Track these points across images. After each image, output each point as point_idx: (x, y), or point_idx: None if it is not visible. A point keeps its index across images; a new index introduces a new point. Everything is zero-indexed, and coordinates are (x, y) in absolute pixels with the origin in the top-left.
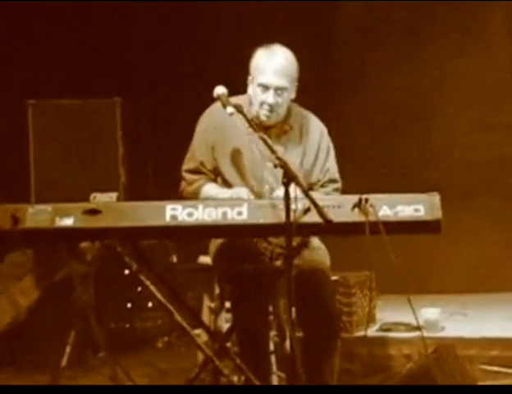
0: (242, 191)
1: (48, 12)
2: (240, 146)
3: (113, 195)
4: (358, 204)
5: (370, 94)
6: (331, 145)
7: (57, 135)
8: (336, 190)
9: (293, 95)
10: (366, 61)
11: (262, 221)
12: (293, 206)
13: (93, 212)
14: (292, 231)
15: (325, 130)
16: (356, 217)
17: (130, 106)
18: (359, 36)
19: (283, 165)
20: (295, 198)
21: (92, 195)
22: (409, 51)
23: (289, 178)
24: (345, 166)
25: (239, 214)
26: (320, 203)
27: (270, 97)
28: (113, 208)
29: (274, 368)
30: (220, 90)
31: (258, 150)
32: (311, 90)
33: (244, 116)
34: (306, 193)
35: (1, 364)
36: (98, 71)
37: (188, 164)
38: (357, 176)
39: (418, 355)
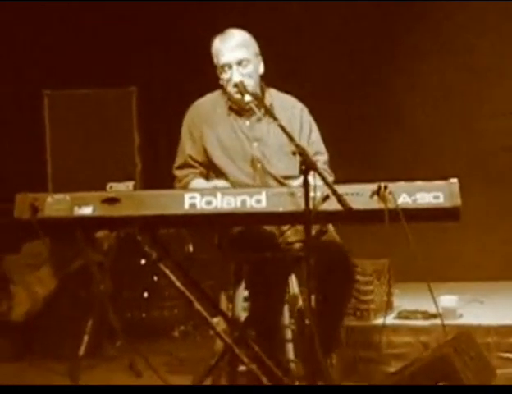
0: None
1: (64, 2)
2: (226, 132)
3: (130, 184)
4: (378, 192)
5: (386, 81)
6: (313, 122)
7: (72, 125)
8: (325, 162)
9: (261, 69)
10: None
11: (281, 209)
12: (312, 194)
13: (112, 200)
14: (311, 218)
15: (305, 108)
16: (375, 204)
17: (146, 95)
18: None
19: (301, 152)
20: (314, 185)
21: (108, 185)
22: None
23: (307, 166)
24: (363, 154)
25: (258, 202)
26: (339, 190)
27: (235, 73)
28: (132, 197)
29: (292, 355)
30: (237, 78)
31: (242, 133)
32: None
33: (261, 102)
34: (325, 180)
35: (19, 354)
36: (113, 61)
37: (177, 161)
38: (375, 163)
39: (435, 342)
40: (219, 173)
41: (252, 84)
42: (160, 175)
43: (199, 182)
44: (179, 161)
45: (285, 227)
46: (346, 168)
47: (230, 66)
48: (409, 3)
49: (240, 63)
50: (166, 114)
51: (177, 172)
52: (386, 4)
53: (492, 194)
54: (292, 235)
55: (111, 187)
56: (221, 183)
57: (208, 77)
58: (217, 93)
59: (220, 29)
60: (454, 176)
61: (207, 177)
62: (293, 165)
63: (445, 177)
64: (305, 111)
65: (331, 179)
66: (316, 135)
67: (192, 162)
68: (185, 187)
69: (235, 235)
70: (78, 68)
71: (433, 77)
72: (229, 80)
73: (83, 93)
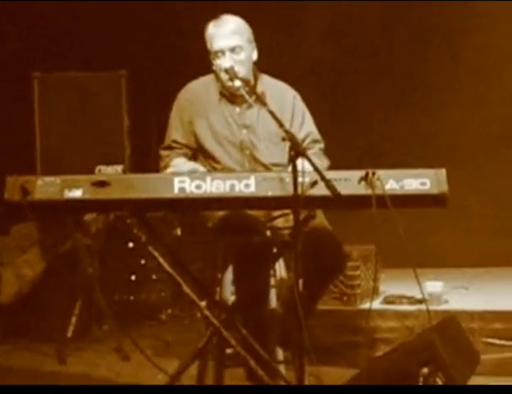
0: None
1: None
2: (216, 118)
3: (118, 168)
4: (365, 178)
5: (377, 70)
6: (306, 109)
7: (62, 108)
8: (321, 149)
9: (254, 56)
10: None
11: (270, 193)
12: (300, 179)
13: (102, 184)
14: (300, 203)
15: (298, 95)
16: (363, 190)
17: (136, 78)
18: None
19: (291, 138)
20: (303, 171)
21: (97, 168)
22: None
23: (296, 151)
24: (352, 141)
25: (246, 187)
26: (327, 176)
27: (226, 59)
28: (122, 180)
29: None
30: (228, 64)
31: (232, 120)
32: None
33: (251, 88)
34: (314, 166)
35: (7, 336)
36: (103, 44)
37: (164, 142)
38: (363, 151)
39: (421, 327)
40: (209, 158)
41: (244, 71)
42: (149, 159)
43: (178, 161)
44: (165, 142)
45: (275, 214)
46: (336, 155)
47: (223, 53)
48: None
49: (232, 50)
50: (156, 98)
51: (162, 152)
52: None
53: (478, 181)
54: (282, 221)
55: (99, 170)
56: (197, 166)
57: (198, 60)
58: (209, 77)
59: (213, 11)
60: (440, 165)
61: (191, 158)
62: (280, 153)
63: (431, 166)
64: (297, 98)
65: (326, 165)
66: (310, 123)
67: (175, 145)
68: (166, 166)
69: (221, 219)
70: (68, 51)
71: (421, 66)
72: (221, 67)
73: (73, 76)
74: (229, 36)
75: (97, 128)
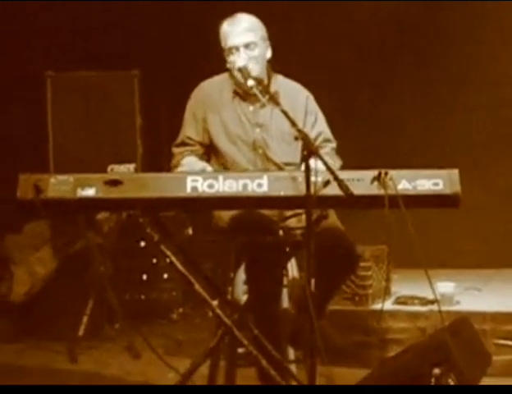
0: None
1: None
2: (230, 116)
3: (131, 167)
4: (378, 178)
5: (390, 70)
6: (319, 110)
7: (75, 107)
8: (333, 149)
9: (268, 54)
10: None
11: (282, 193)
12: (313, 178)
13: (115, 182)
14: (312, 203)
15: (311, 96)
16: (376, 190)
17: (149, 78)
18: None
19: (304, 137)
20: (315, 170)
21: (109, 167)
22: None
23: (309, 151)
24: (365, 141)
25: (259, 186)
26: (340, 176)
27: (241, 56)
28: (134, 179)
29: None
30: (241, 63)
31: (245, 118)
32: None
33: (264, 88)
34: (327, 165)
35: (18, 335)
36: (116, 43)
37: (177, 139)
38: (376, 152)
39: (432, 328)
40: (221, 156)
41: (257, 68)
42: (161, 157)
43: (190, 160)
44: (178, 139)
45: (287, 214)
46: (349, 155)
47: (237, 49)
48: None
49: (247, 46)
50: (168, 97)
51: (174, 149)
52: None
53: (491, 182)
54: (294, 221)
55: (112, 169)
56: (207, 167)
57: (211, 59)
58: (223, 76)
59: (225, 11)
60: (453, 165)
61: (202, 157)
62: (293, 152)
63: (444, 167)
64: (311, 98)
65: (338, 165)
66: (322, 123)
67: (189, 141)
68: (178, 164)
69: (233, 218)
70: (81, 50)
71: (433, 68)
72: (235, 63)
73: (85, 76)
74: (243, 33)
75: (109, 127)
